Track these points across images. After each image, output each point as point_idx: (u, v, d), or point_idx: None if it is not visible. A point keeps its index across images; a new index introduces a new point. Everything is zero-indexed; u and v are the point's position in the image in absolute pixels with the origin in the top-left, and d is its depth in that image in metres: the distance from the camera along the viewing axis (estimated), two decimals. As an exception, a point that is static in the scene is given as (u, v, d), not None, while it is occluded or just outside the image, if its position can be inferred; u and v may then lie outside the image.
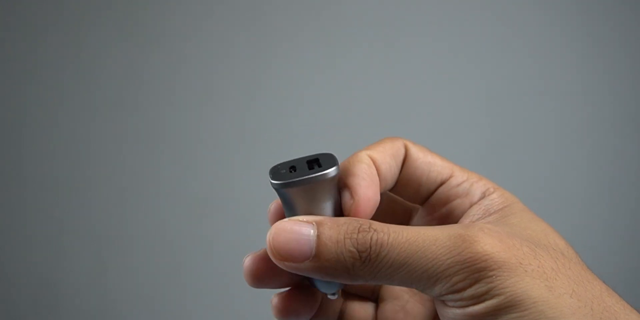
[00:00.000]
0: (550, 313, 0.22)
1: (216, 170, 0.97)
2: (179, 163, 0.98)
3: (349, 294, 0.30)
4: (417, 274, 0.23)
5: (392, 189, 0.30)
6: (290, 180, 0.26)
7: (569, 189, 0.97)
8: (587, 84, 0.97)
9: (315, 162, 0.27)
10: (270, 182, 0.26)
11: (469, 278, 0.22)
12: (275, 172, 0.27)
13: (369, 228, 0.24)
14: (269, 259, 0.25)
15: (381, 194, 0.31)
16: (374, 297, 0.30)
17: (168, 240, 0.97)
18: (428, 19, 0.98)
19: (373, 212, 0.27)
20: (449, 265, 0.23)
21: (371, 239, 0.24)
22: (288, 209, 0.27)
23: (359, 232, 0.24)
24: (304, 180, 0.26)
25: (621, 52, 0.97)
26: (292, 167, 0.27)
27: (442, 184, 0.29)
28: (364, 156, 0.27)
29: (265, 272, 0.27)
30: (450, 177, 0.29)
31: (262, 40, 0.98)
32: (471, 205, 0.28)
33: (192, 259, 0.97)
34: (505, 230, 0.24)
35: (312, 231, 0.24)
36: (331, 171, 0.26)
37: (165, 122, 0.98)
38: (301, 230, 0.24)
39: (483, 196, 0.28)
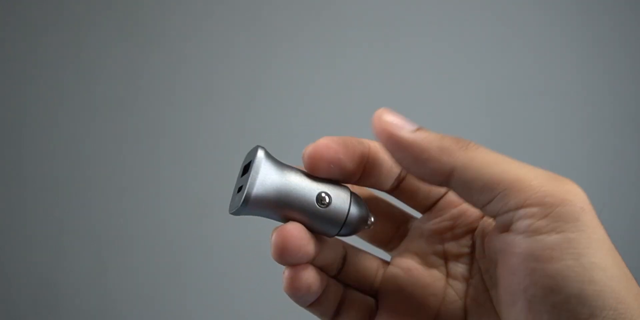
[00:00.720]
0: (616, 259, 0.22)
1: (216, 170, 0.96)
2: (179, 163, 0.98)
3: (347, 286, 0.30)
4: (511, 174, 0.23)
5: (402, 195, 0.30)
6: (242, 200, 0.25)
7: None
8: (587, 84, 0.97)
9: (248, 166, 0.26)
10: (236, 215, 0.26)
11: (560, 198, 0.22)
12: (232, 205, 0.27)
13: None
14: (295, 231, 0.26)
15: (379, 201, 0.32)
16: (372, 292, 0.30)
17: (168, 240, 0.97)
18: (428, 19, 0.98)
19: (333, 160, 0.27)
20: (544, 178, 0.23)
21: (469, 141, 0.25)
22: (273, 214, 0.27)
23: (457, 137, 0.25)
24: (250, 190, 0.25)
25: (621, 52, 0.97)
26: (239, 189, 0.27)
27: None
28: (358, 138, 0.28)
29: (293, 241, 0.26)
30: None
31: (262, 40, 0.98)
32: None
33: (192, 259, 0.97)
34: None
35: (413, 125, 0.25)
36: (258, 158, 0.26)
37: (165, 122, 0.98)
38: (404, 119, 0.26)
39: None
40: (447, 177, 0.24)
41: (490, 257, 0.27)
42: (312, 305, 0.28)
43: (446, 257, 0.30)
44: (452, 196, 0.30)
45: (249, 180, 0.25)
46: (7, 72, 0.99)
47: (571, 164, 0.97)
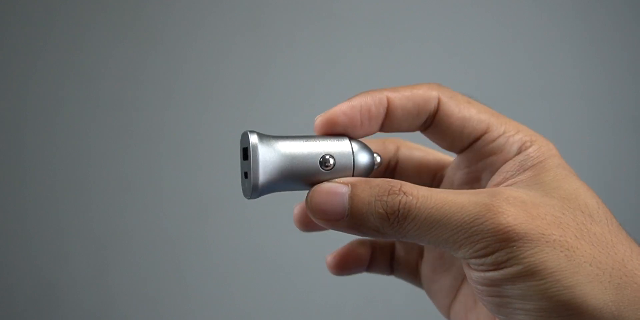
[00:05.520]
0: (566, 282, 0.23)
1: (217, 170, 0.97)
2: (180, 163, 0.98)
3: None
4: (444, 238, 0.24)
5: (433, 135, 0.31)
6: (251, 190, 0.26)
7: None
8: (587, 84, 0.97)
9: (246, 149, 0.27)
10: (252, 196, 0.27)
11: (491, 246, 0.24)
12: (244, 191, 0.28)
13: (399, 190, 0.25)
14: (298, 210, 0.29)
15: (413, 149, 0.34)
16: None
17: (168, 240, 0.97)
18: (426, 19, 0.98)
19: (348, 126, 0.29)
20: (472, 233, 0.24)
21: (400, 202, 0.25)
22: (286, 188, 0.28)
23: (389, 194, 0.25)
24: (255, 180, 0.26)
25: (621, 52, 0.97)
26: (244, 174, 0.28)
27: (476, 140, 0.29)
28: (376, 94, 0.29)
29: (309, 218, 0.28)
30: (485, 133, 0.29)
31: (263, 41, 0.98)
32: (506, 162, 0.28)
33: (192, 259, 0.97)
34: (531, 199, 0.25)
35: (346, 193, 0.26)
36: (252, 144, 0.27)
37: (166, 123, 0.98)
38: (337, 191, 0.26)
39: (519, 151, 0.28)
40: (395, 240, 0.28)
41: None
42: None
43: None
44: (487, 139, 0.29)
45: (252, 170, 0.26)
46: (7, 72, 0.99)
47: (571, 164, 0.97)
